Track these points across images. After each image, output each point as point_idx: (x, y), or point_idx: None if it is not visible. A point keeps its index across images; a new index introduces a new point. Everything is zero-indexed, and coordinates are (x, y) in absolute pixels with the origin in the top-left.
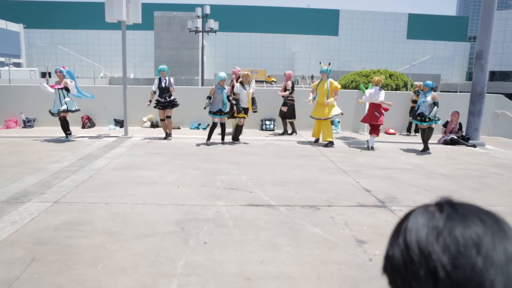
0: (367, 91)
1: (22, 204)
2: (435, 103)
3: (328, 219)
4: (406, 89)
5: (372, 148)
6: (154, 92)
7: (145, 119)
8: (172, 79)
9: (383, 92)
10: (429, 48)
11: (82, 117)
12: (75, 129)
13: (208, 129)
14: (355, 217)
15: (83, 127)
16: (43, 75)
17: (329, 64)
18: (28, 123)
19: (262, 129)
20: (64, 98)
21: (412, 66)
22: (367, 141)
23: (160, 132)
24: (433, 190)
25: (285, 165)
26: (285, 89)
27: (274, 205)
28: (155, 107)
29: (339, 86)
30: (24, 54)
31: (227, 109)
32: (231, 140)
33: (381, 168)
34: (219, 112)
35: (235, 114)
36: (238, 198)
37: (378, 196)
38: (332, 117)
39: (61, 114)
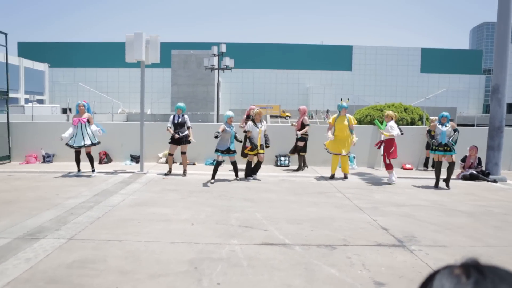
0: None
1: (37, 240)
2: (455, 130)
3: (345, 259)
4: (422, 123)
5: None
6: (170, 128)
7: (160, 155)
8: (186, 117)
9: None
10: (443, 81)
11: (99, 153)
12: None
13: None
14: (373, 257)
15: (100, 162)
16: (64, 111)
17: (348, 100)
18: (47, 159)
19: (276, 165)
20: (87, 131)
21: (427, 99)
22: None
23: (176, 168)
24: (454, 229)
25: (300, 202)
26: (302, 125)
27: (289, 244)
28: (169, 142)
29: (355, 122)
30: (47, 91)
31: (234, 148)
32: (244, 177)
33: (398, 205)
34: (227, 151)
35: (247, 151)
36: (253, 237)
37: (396, 235)
38: (346, 153)
39: (87, 150)
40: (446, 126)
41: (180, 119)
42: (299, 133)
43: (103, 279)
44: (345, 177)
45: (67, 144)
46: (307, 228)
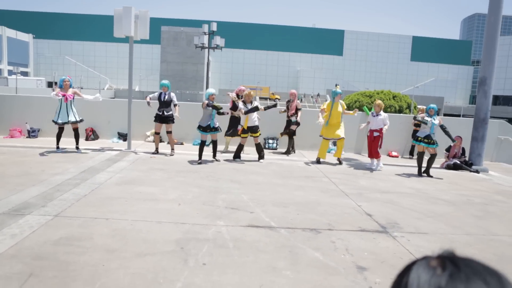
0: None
1: (23, 216)
2: (441, 126)
3: (329, 243)
4: (410, 111)
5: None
6: (150, 99)
7: (148, 133)
8: (173, 94)
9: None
10: (432, 70)
11: (86, 129)
12: (79, 141)
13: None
14: (356, 242)
15: (87, 139)
16: (50, 84)
17: (337, 85)
18: (32, 133)
19: (264, 148)
20: (71, 108)
21: (416, 88)
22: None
23: (164, 147)
24: (436, 217)
25: (287, 186)
26: (296, 109)
27: (275, 227)
28: (154, 121)
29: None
30: (32, 64)
31: (217, 125)
32: (258, 160)
33: (383, 192)
34: (208, 129)
35: (240, 134)
36: (239, 219)
37: (380, 221)
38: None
39: (74, 126)
40: (435, 118)
41: (166, 97)
42: (298, 118)
43: (89, 257)
44: (340, 163)
45: (53, 121)
46: (293, 211)
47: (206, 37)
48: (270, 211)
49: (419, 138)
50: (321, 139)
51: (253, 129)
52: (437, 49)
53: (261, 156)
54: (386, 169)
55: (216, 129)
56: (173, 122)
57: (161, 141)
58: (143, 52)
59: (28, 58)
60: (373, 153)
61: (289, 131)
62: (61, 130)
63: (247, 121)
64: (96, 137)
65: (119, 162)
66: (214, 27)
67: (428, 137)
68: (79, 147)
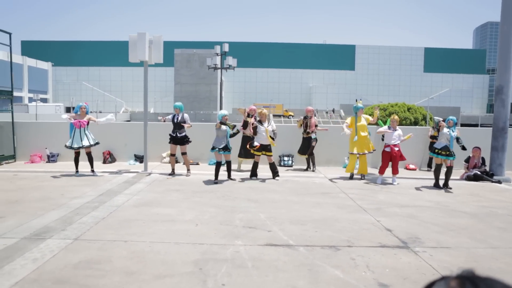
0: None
1: (44, 240)
2: (457, 139)
3: (349, 260)
4: (425, 123)
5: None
6: (164, 120)
7: (164, 154)
8: (186, 115)
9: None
10: (447, 81)
11: (103, 153)
12: (96, 164)
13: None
14: (377, 258)
15: (104, 162)
16: (68, 110)
17: (361, 100)
18: (52, 158)
19: (280, 165)
20: (85, 133)
21: (430, 99)
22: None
23: (180, 168)
24: (458, 230)
25: (303, 203)
26: (315, 126)
27: (293, 245)
28: (169, 142)
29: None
30: (51, 90)
31: (229, 146)
32: (273, 178)
33: (402, 206)
34: (224, 149)
35: (253, 151)
36: (257, 238)
37: (400, 236)
38: (373, 150)
39: (86, 150)
40: (453, 131)
41: (179, 119)
42: (320, 129)
43: (108, 280)
44: (363, 178)
45: (66, 146)
46: (311, 229)
47: (218, 58)
48: (287, 229)
49: (437, 150)
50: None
51: (267, 148)
52: (450, 59)
53: (276, 174)
54: (404, 182)
55: (229, 150)
56: (188, 143)
57: (177, 162)
58: (157, 74)
59: (47, 85)
60: (395, 169)
61: (309, 150)
62: (77, 154)
63: (268, 137)
64: (113, 160)
65: (136, 184)
66: (226, 48)
67: (445, 148)
68: (94, 169)
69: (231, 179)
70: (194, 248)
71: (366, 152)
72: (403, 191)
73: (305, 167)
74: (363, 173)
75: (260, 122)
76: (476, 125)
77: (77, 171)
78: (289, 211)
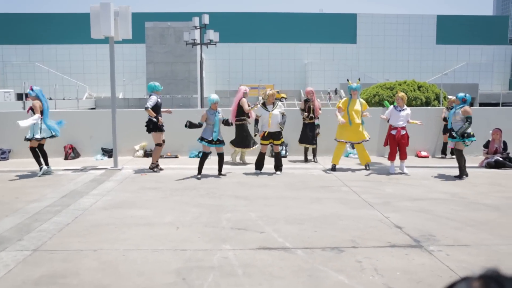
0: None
1: None
2: (467, 118)
3: (354, 263)
4: (439, 103)
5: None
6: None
7: (137, 147)
8: (150, 97)
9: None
10: (463, 54)
11: (64, 147)
12: (57, 161)
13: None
14: (386, 260)
15: (66, 158)
16: (20, 97)
17: (359, 80)
18: (2, 155)
19: (272, 156)
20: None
21: (444, 75)
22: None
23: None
24: (477, 225)
25: (300, 199)
26: (319, 109)
27: (289, 248)
28: (156, 131)
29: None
30: None
31: (221, 137)
32: (275, 171)
33: (413, 199)
34: (213, 141)
35: (261, 141)
36: (248, 240)
37: (412, 233)
38: (368, 139)
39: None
40: (456, 109)
41: (160, 102)
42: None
43: None
44: (367, 168)
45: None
46: (310, 228)
47: (197, 32)
48: (283, 230)
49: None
50: (336, 143)
51: (275, 135)
52: (467, 28)
53: (279, 168)
54: (416, 172)
55: (221, 142)
56: (149, 132)
57: (148, 154)
58: (126, 53)
59: None
60: (403, 154)
61: (314, 138)
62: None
63: (270, 124)
64: (76, 155)
65: (105, 183)
66: (206, 19)
67: (451, 130)
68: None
69: (222, 174)
70: (176, 255)
71: (359, 141)
72: (414, 182)
73: (302, 157)
74: (367, 162)
75: (264, 105)
76: (497, 104)
77: (41, 167)
78: (284, 209)
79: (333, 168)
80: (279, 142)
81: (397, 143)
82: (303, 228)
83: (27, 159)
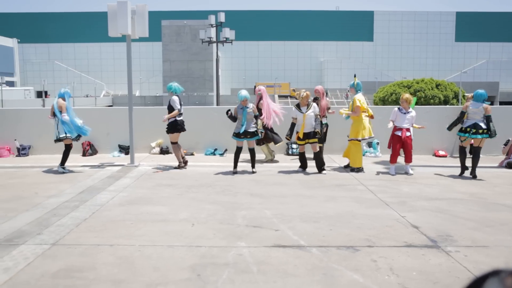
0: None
1: (16, 246)
2: (488, 117)
3: (370, 262)
4: (457, 101)
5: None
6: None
7: (153, 144)
8: (172, 98)
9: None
10: (483, 51)
11: (82, 143)
12: (75, 157)
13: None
14: (402, 260)
15: (84, 154)
16: (39, 94)
17: (355, 76)
18: (22, 151)
19: (288, 154)
20: (57, 123)
21: (464, 73)
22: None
23: (171, 159)
24: (497, 226)
25: (316, 197)
26: (325, 109)
27: (304, 246)
28: (175, 131)
29: (359, 104)
30: (18, 72)
31: (252, 129)
32: (318, 172)
33: (430, 199)
34: (244, 134)
35: (297, 141)
36: (262, 238)
37: (429, 233)
38: (365, 138)
39: (64, 142)
40: (477, 107)
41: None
42: (330, 112)
43: None
44: (353, 170)
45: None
46: (325, 227)
47: (213, 30)
48: (298, 228)
49: (462, 128)
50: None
51: (310, 135)
52: (487, 25)
53: (321, 168)
54: (433, 171)
55: (254, 134)
56: (172, 132)
57: (169, 152)
58: (142, 51)
59: (13, 65)
60: (409, 157)
61: (323, 136)
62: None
63: (303, 127)
64: (94, 151)
65: (122, 179)
66: (222, 17)
67: (475, 125)
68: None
69: (253, 171)
70: (191, 251)
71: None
72: (432, 181)
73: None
74: (347, 157)
75: (298, 106)
76: None
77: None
78: (299, 207)
79: (361, 170)
80: (315, 140)
81: (401, 145)
82: (318, 227)
83: (46, 155)
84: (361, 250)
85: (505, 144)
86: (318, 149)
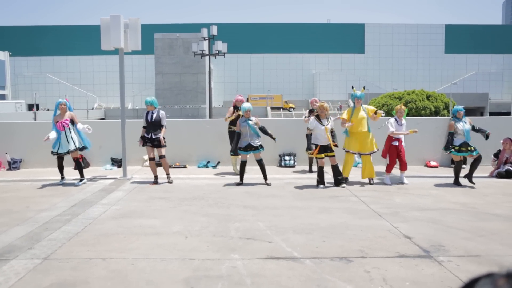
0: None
1: (7, 262)
2: (473, 127)
3: (363, 273)
4: (448, 112)
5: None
6: (145, 127)
7: (146, 157)
8: (162, 113)
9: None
10: (472, 63)
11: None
12: (67, 170)
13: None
14: (395, 270)
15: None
16: (30, 107)
17: (364, 88)
18: (13, 165)
19: (280, 166)
20: (71, 134)
21: (454, 84)
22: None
23: (164, 172)
24: (489, 235)
25: (309, 209)
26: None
27: (298, 258)
28: (143, 145)
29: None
30: (9, 85)
31: (259, 142)
32: (336, 185)
33: (422, 209)
34: (249, 148)
35: (315, 155)
36: (256, 250)
37: (421, 244)
38: (377, 150)
39: (74, 156)
40: (465, 122)
41: (154, 116)
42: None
43: None
44: (371, 183)
45: (52, 153)
46: (318, 238)
47: (205, 43)
48: (291, 239)
49: (456, 148)
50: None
51: (329, 148)
52: (475, 37)
53: (339, 181)
54: (424, 182)
55: (258, 148)
56: (165, 145)
57: (158, 165)
58: (135, 64)
59: (4, 78)
60: (404, 165)
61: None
62: (61, 160)
63: (329, 137)
64: (86, 164)
65: (114, 192)
66: (215, 30)
67: (465, 144)
68: (85, 179)
69: (267, 183)
70: (184, 264)
71: (367, 152)
72: (423, 192)
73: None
74: (370, 176)
75: (319, 118)
76: (507, 114)
77: (62, 178)
78: (292, 219)
79: (346, 180)
80: (333, 154)
81: (397, 155)
82: (311, 238)
83: (38, 169)
84: (354, 261)
85: (495, 156)
86: (336, 163)
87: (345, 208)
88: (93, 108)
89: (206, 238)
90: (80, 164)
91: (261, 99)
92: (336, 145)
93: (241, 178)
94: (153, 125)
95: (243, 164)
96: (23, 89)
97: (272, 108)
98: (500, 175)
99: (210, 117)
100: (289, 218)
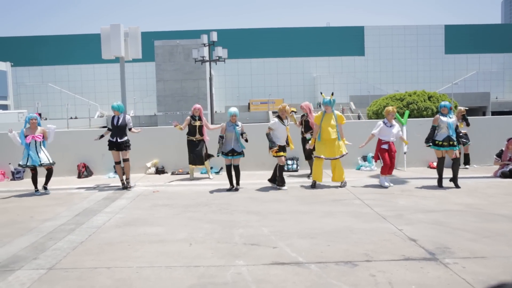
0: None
1: (12, 272)
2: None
3: (368, 277)
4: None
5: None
6: (109, 130)
7: (149, 164)
8: (128, 117)
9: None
10: (473, 62)
11: (78, 165)
12: (71, 179)
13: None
14: (401, 274)
15: (79, 176)
16: None
17: (332, 94)
18: (17, 175)
19: (283, 170)
20: (41, 148)
21: (455, 85)
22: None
23: (167, 179)
24: (494, 236)
25: (313, 213)
26: (307, 124)
27: (303, 263)
28: (110, 149)
29: (344, 121)
30: (11, 95)
31: (242, 149)
32: (276, 185)
33: (427, 211)
34: (231, 153)
35: (275, 153)
36: (261, 256)
37: (427, 246)
38: (345, 153)
39: (47, 167)
40: (450, 117)
41: (120, 121)
42: (309, 136)
43: None
44: (342, 185)
45: (19, 165)
46: (323, 242)
47: (206, 49)
48: (296, 245)
49: (437, 142)
50: (347, 156)
51: (284, 148)
52: (476, 37)
53: (276, 181)
54: (428, 183)
55: (239, 153)
56: (129, 149)
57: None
58: (136, 72)
59: (6, 89)
60: (391, 169)
61: (307, 153)
62: (35, 172)
63: (290, 138)
64: (89, 173)
65: (118, 201)
66: (215, 36)
67: (447, 139)
68: (47, 187)
69: (236, 188)
70: (189, 271)
71: (336, 157)
72: (427, 193)
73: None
74: (339, 180)
75: (281, 119)
76: (509, 113)
77: (36, 190)
78: (297, 223)
79: (313, 185)
80: (285, 154)
81: (389, 156)
82: (316, 243)
83: (41, 178)
84: (360, 265)
85: (498, 155)
86: (284, 162)
87: (349, 211)
88: (98, 116)
89: (210, 244)
90: (50, 174)
91: (263, 103)
92: (291, 147)
93: (231, 183)
94: (119, 130)
95: (229, 168)
96: (25, 99)
97: (274, 112)
98: (504, 175)
99: (211, 123)
100: (293, 222)
